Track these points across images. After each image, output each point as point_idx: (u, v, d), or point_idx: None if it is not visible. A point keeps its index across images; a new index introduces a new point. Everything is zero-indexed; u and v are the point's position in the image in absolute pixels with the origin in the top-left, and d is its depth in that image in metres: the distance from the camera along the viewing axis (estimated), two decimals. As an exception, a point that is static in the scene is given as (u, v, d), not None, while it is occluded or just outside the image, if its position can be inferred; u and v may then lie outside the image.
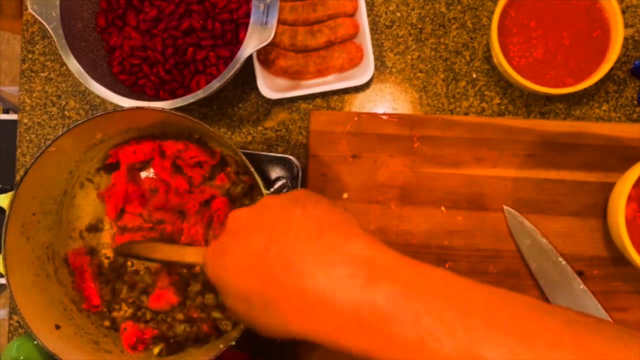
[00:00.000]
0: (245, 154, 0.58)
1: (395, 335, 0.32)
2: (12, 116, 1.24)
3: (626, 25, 0.70)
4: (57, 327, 0.61)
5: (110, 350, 0.63)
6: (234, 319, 0.41)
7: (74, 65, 0.65)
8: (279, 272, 0.36)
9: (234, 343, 0.55)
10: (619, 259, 0.65)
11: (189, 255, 0.53)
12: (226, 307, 0.42)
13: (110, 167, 0.68)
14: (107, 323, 0.66)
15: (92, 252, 0.68)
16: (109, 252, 0.69)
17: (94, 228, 0.69)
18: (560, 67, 0.65)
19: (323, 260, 0.35)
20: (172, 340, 0.65)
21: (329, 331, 0.35)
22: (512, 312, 0.33)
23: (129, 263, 0.68)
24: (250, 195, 0.67)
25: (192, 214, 0.67)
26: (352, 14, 0.71)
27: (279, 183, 0.65)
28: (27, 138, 0.77)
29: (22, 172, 0.76)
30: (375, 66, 0.72)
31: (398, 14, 0.73)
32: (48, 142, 0.59)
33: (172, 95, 0.70)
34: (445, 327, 0.31)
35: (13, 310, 0.75)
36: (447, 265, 0.67)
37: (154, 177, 0.69)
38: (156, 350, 0.63)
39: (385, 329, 0.32)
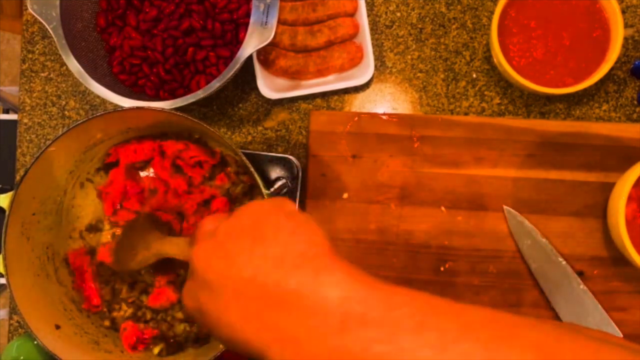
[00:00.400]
0: (245, 154, 0.58)
1: None
2: (12, 116, 1.24)
3: (626, 25, 0.70)
4: (57, 327, 0.61)
5: (110, 350, 0.63)
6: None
7: (74, 65, 0.65)
8: (253, 324, 0.34)
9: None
10: (619, 259, 0.65)
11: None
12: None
13: (110, 166, 0.68)
14: (107, 323, 0.66)
15: (92, 252, 0.68)
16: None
17: (94, 228, 0.69)
18: (560, 67, 0.65)
19: (294, 311, 0.33)
20: (172, 340, 0.65)
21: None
22: (495, 327, 0.32)
23: None
24: (250, 195, 0.67)
25: (191, 214, 0.67)
26: (352, 14, 0.71)
27: (279, 183, 0.65)
28: (27, 138, 0.77)
29: (22, 172, 0.76)
30: (375, 66, 0.72)
31: (398, 14, 0.73)
32: (48, 142, 0.59)
33: (172, 95, 0.70)
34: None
35: (13, 310, 0.75)
36: (447, 265, 0.67)
37: (154, 176, 0.69)
38: (156, 350, 0.63)
39: None
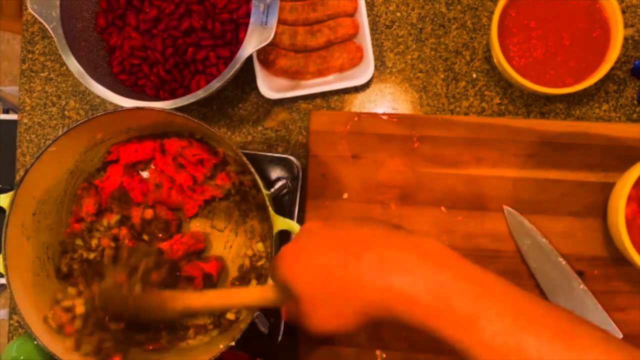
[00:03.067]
0: (246, 154, 0.58)
1: (457, 315, 0.39)
2: (12, 116, 1.24)
3: (626, 25, 0.70)
4: None
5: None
6: (305, 320, 0.45)
7: (74, 65, 0.65)
8: (364, 269, 0.42)
9: (233, 343, 0.55)
10: (619, 259, 0.65)
11: (253, 295, 0.52)
12: (298, 313, 0.45)
13: (109, 164, 0.68)
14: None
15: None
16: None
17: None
18: (560, 67, 0.65)
19: (397, 262, 0.42)
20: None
21: (401, 310, 0.41)
22: (551, 313, 0.39)
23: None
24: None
25: (188, 217, 0.67)
26: (352, 14, 0.71)
27: (280, 183, 0.65)
28: (27, 138, 0.77)
29: (22, 172, 0.76)
30: (375, 66, 0.72)
31: (398, 14, 0.73)
32: (48, 142, 0.59)
33: (172, 95, 0.70)
34: (496, 316, 0.38)
35: (13, 310, 0.75)
36: (447, 265, 0.67)
37: (159, 171, 0.68)
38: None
39: (453, 316, 0.39)
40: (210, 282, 0.65)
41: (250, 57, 0.63)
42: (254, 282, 0.65)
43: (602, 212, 0.67)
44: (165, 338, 0.64)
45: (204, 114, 0.75)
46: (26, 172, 0.59)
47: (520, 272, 0.67)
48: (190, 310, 0.54)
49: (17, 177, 0.78)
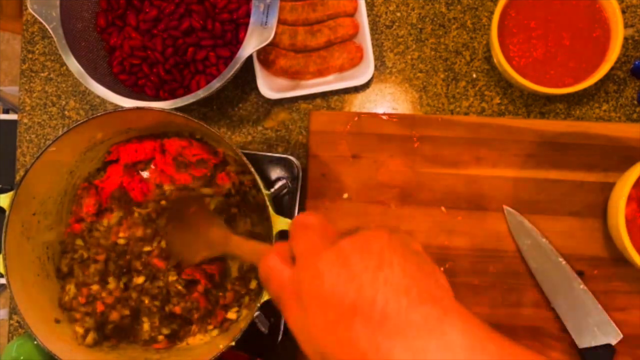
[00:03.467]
0: (246, 154, 0.58)
1: None
2: (12, 116, 1.24)
3: (626, 25, 0.70)
4: (57, 321, 0.61)
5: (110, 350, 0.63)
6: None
7: (74, 65, 0.65)
8: (363, 345, 0.33)
9: (233, 343, 0.55)
10: (619, 259, 0.65)
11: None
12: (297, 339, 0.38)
13: (110, 164, 0.68)
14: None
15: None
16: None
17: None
18: (560, 67, 0.65)
19: (414, 345, 0.33)
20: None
21: None
22: None
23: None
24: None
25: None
26: (352, 14, 0.71)
27: (280, 183, 0.65)
28: (27, 138, 0.77)
29: (22, 172, 0.76)
30: (375, 66, 0.72)
31: (398, 14, 0.73)
32: (48, 142, 0.59)
33: (172, 95, 0.70)
34: None
35: (13, 310, 0.75)
36: (447, 265, 0.67)
37: (159, 172, 0.68)
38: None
39: None
40: (213, 283, 0.65)
41: (250, 57, 0.63)
42: (254, 282, 0.65)
43: (602, 212, 0.67)
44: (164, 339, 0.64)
45: (204, 114, 0.75)
46: (26, 172, 0.59)
47: (520, 272, 0.67)
48: (227, 247, 0.56)
49: (17, 177, 0.78)
